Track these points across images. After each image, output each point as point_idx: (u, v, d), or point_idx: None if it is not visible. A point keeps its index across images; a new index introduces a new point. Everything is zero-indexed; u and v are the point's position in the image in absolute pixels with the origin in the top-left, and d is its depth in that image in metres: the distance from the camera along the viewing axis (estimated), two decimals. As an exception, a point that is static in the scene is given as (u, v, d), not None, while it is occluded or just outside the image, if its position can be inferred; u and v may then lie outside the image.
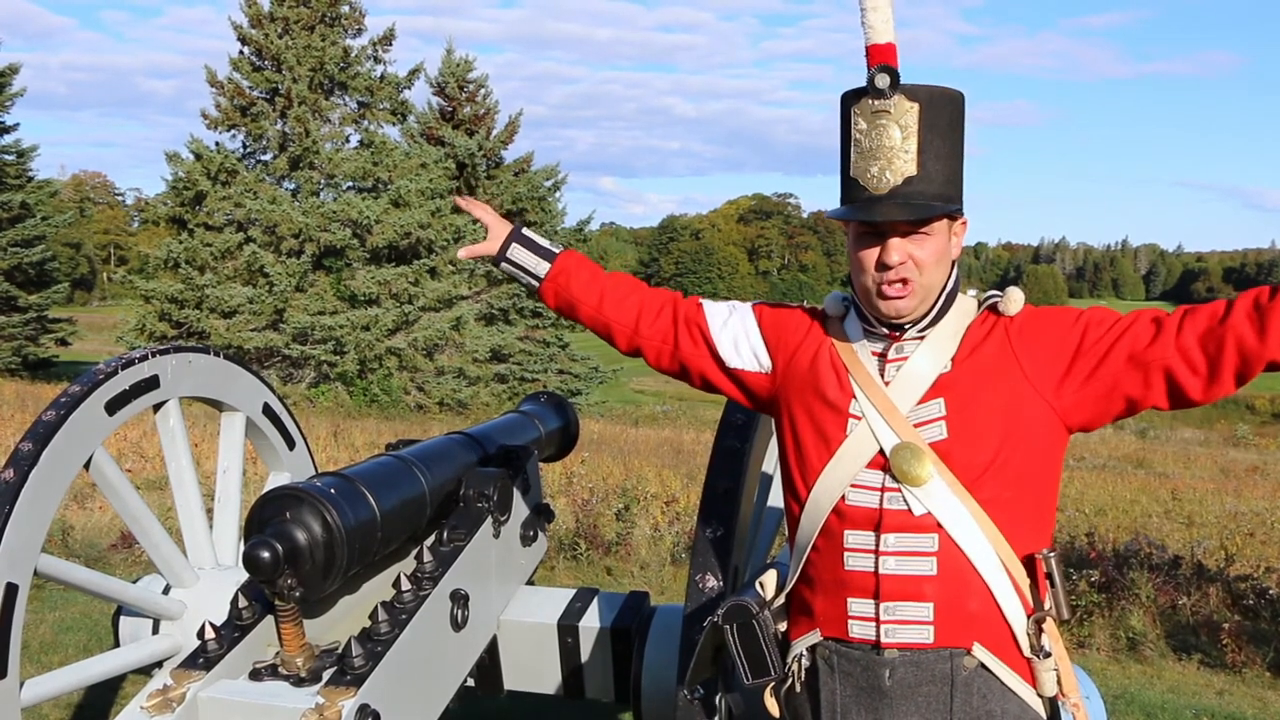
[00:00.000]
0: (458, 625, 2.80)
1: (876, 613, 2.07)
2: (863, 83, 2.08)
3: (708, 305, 2.41)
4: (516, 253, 2.47)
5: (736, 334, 2.34)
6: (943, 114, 2.07)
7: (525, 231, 2.50)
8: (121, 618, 3.38)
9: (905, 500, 2.07)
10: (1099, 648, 6.57)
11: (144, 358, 3.06)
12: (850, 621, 2.10)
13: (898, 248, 2.06)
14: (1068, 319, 2.12)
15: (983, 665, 2.07)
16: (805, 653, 2.19)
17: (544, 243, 2.49)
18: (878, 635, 2.08)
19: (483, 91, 33.25)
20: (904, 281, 2.08)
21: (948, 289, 2.15)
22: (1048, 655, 2.09)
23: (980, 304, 2.20)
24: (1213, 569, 7.60)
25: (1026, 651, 2.10)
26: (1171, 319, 2.03)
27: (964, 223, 2.17)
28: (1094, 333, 2.07)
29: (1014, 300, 2.16)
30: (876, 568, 2.06)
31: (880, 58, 2.06)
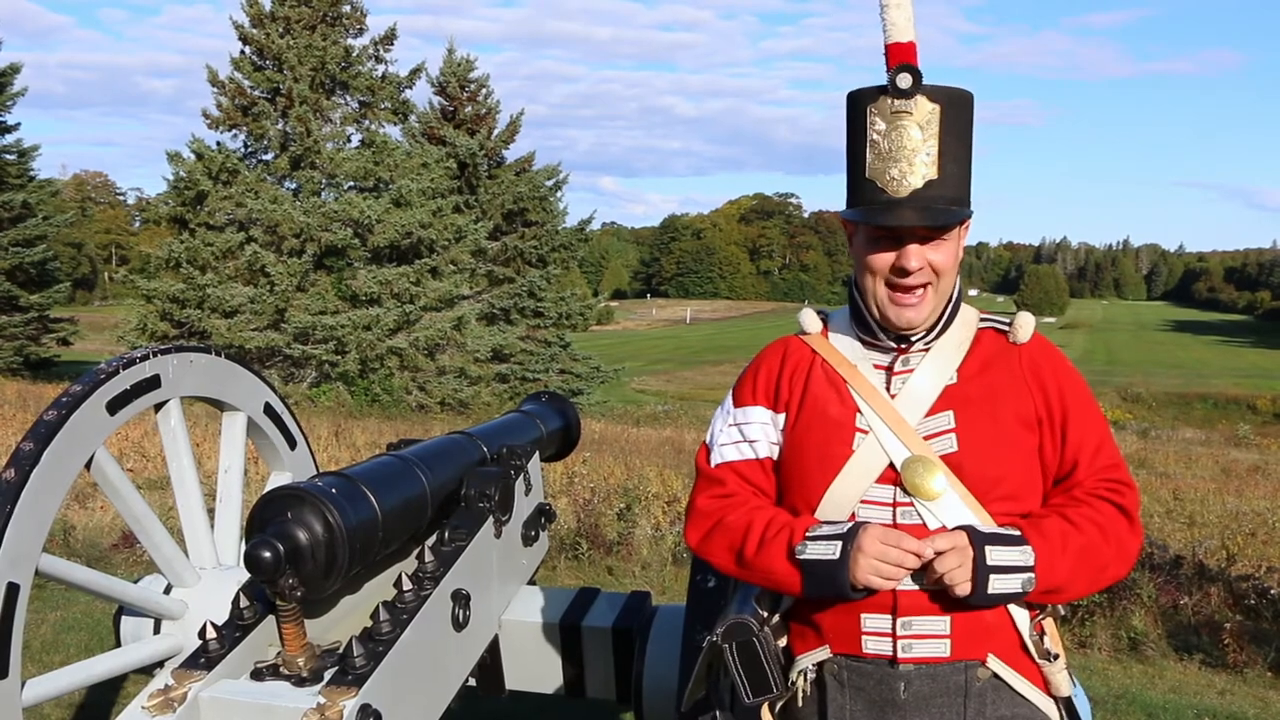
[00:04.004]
0: (459, 625, 2.79)
1: (893, 628, 2.04)
2: (866, 81, 2.06)
3: (731, 455, 2.24)
4: None
5: (756, 434, 2.23)
6: (961, 115, 2.05)
7: None
8: (123, 617, 3.37)
9: (919, 514, 2.04)
10: (1100, 647, 6.56)
11: (145, 357, 3.05)
12: (865, 637, 2.06)
13: (916, 254, 2.03)
14: (1087, 404, 2.17)
15: (996, 675, 2.06)
16: (812, 668, 2.13)
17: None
18: (894, 650, 2.04)
19: (484, 91, 33.22)
20: (922, 287, 2.06)
21: (953, 296, 2.15)
22: (1056, 657, 2.09)
23: (981, 320, 2.21)
24: (1214, 569, 7.60)
25: (1036, 657, 2.09)
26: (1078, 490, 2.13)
27: (967, 225, 2.16)
28: (1072, 437, 2.13)
29: (1023, 328, 2.17)
30: None
31: (901, 56, 2.02)
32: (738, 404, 2.26)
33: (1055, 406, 2.11)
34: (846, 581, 1.98)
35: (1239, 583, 7.19)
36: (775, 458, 2.22)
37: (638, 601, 3.40)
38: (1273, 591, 6.86)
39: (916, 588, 2.02)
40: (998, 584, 1.96)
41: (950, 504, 2.03)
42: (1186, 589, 7.09)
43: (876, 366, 2.16)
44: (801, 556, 2.02)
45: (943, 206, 2.02)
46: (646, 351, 79.79)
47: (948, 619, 2.02)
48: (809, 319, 2.28)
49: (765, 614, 2.18)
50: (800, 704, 2.15)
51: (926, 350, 2.14)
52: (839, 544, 1.99)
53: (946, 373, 2.12)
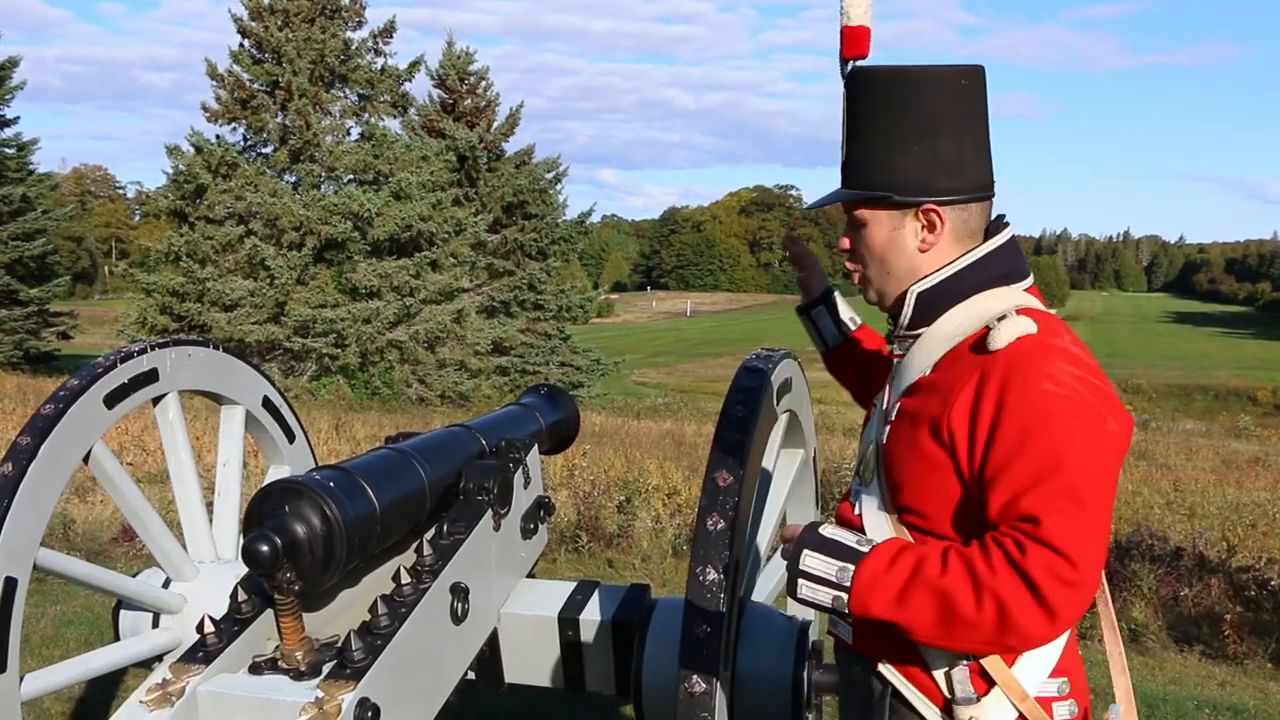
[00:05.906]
0: (458, 618, 2.79)
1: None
2: None
3: None
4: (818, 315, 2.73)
5: None
6: (874, 97, 1.96)
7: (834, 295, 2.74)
8: (121, 611, 3.36)
9: (854, 497, 2.13)
10: (1100, 639, 6.56)
11: (143, 351, 3.05)
12: None
13: (844, 236, 2.08)
14: (1030, 438, 1.75)
15: (895, 687, 1.98)
16: None
17: (843, 314, 2.71)
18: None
19: (483, 84, 33.20)
20: (856, 270, 2.08)
21: (923, 287, 1.98)
22: (970, 702, 1.90)
23: (997, 319, 1.88)
24: (1214, 560, 7.60)
25: (944, 691, 1.93)
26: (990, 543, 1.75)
27: (939, 214, 1.94)
28: (999, 451, 1.78)
29: (996, 334, 1.85)
30: None
31: (849, 39, 1.97)
32: None
33: (981, 428, 1.80)
34: None
35: (1239, 574, 7.20)
36: None
37: (637, 594, 3.39)
38: (1273, 583, 6.87)
39: None
40: (806, 590, 1.86)
41: (871, 496, 2.07)
42: (1187, 580, 7.10)
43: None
44: None
45: (843, 190, 2.02)
46: (646, 344, 79.80)
47: None
48: None
49: None
50: None
51: (917, 338, 2.03)
52: None
53: (925, 364, 1.99)
